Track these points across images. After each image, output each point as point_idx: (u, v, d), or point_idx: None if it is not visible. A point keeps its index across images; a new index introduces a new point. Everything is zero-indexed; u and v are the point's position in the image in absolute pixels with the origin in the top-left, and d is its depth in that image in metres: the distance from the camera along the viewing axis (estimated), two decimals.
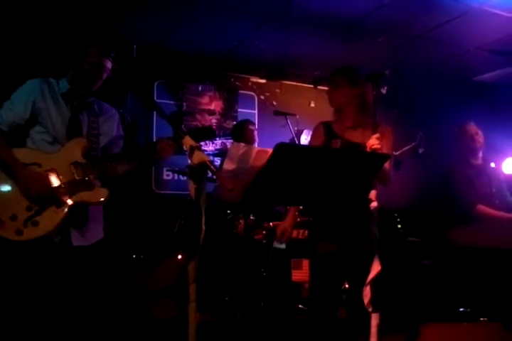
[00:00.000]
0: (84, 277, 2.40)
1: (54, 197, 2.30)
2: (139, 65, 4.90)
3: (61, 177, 2.33)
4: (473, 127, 3.87)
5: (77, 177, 2.34)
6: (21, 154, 2.34)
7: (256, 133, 4.58)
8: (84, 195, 2.35)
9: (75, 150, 2.40)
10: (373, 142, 2.37)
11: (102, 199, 2.39)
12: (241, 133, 4.55)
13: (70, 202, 2.32)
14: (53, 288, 2.32)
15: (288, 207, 2.83)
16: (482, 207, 3.56)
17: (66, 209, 2.31)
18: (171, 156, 2.49)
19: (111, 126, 2.64)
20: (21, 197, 2.27)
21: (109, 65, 2.49)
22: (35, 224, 2.25)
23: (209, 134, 2.62)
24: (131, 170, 2.59)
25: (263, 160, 2.03)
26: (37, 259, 2.30)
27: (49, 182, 2.30)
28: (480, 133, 3.83)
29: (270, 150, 1.90)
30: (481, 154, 3.84)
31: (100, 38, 2.54)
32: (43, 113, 2.42)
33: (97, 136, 2.54)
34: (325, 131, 2.66)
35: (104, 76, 2.51)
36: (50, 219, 2.28)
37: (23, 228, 2.23)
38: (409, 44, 4.87)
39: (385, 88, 2.58)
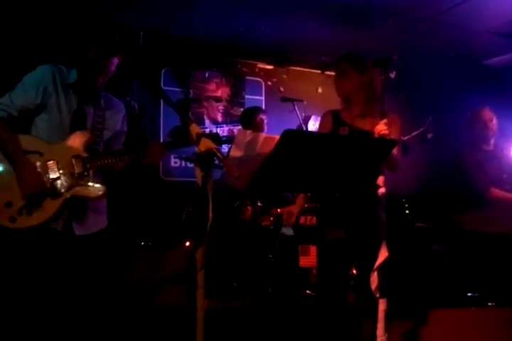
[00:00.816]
0: (86, 265, 2.41)
1: (50, 189, 2.30)
2: (146, 52, 4.88)
3: (61, 168, 2.33)
4: (488, 112, 3.78)
5: (76, 171, 2.35)
6: (24, 141, 2.34)
7: (265, 121, 4.53)
8: (81, 190, 2.35)
9: (78, 143, 2.38)
10: (381, 128, 2.37)
11: (98, 195, 2.39)
12: (250, 121, 4.50)
13: (66, 195, 2.32)
14: (56, 277, 2.34)
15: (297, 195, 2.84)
16: (496, 191, 3.54)
17: (61, 202, 2.31)
18: (159, 162, 2.48)
19: (116, 121, 2.62)
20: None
21: (113, 63, 2.43)
22: (29, 213, 2.26)
23: (215, 141, 2.62)
24: (128, 165, 2.57)
25: (270, 146, 2.03)
26: (39, 247, 2.31)
27: (44, 181, 2.30)
28: (495, 119, 3.74)
29: (277, 137, 1.90)
30: (493, 140, 3.77)
31: (100, 35, 2.45)
32: (52, 100, 2.40)
33: (102, 129, 2.52)
34: (333, 119, 2.64)
35: (108, 74, 2.47)
36: (44, 210, 2.28)
37: (16, 216, 2.24)
38: (418, 27, 4.80)
39: (394, 73, 2.55)
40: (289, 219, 2.76)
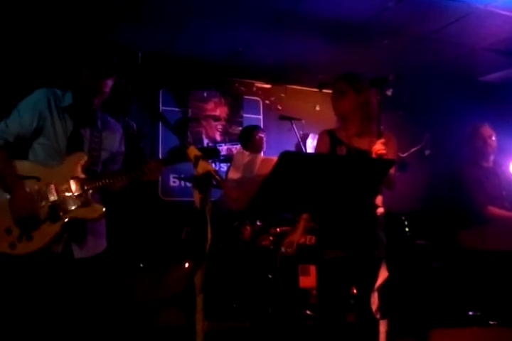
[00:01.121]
0: (85, 288, 2.40)
1: (49, 212, 2.30)
2: (145, 73, 4.93)
3: (59, 191, 2.33)
4: (487, 129, 3.74)
5: (75, 193, 2.35)
6: (21, 167, 2.36)
7: (264, 139, 4.55)
8: (80, 211, 2.35)
9: (75, 165, 2.39)
10: (379, 147, 2.37)
11: (97, 216, 2.40)
12: (249, 139, 4.50)
13: (65, 217, 2.32)
14: (54, 300, 2.32)
15: (298, 218, 2.81)
16: (493, 209, 3.52)
17: (60, 225, 2.31)
18: (156, 179, 2.48)
19: (113, 142, 2.63)
20: None
21: (107, 85, 2.43)
22: (30, 238, 2.26)
23: (214, 155, 2.62)
24: (125, 185, 2.57)
25: (268, 168, 2.02)
26: (38, 270, 2.30)
27: (40, 205, 2.30)
28: (494, 136, 3.71)
29: (275, 159, 1.90)
30: (492, 157, 3.77)
31: (93, 57, 2.47)
32: (48, 124, 2.41)
33: (99, 150, 2.53)
34: (330, 138, 2.64)
35: (103, 96, 2.47)
36: (44, 234, 2.28)
37: (17, 242, 2.25)
38: (414, 46, 4.86)
39: (391, 90, 2.58)
40: (290, 248, 2.73)
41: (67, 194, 2.34)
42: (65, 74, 2.58)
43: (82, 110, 2.49)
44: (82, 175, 2.39)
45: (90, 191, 2.38)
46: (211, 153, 2.52)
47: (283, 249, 2.85)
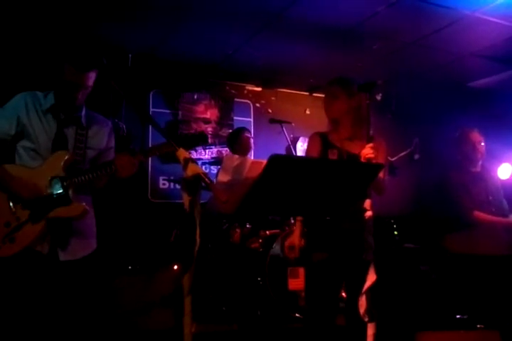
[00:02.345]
0: (70, 290, 2.38)
1: (29, 213, 2.30)
2: (135, 74, 4.92)
3: (40, 191, 2.33)
4: (476, 135, 3.73)
5: (55, 192, 2.34)
6: (6, 170, 2.35)
7: (252, 140, 4.58)
8: (61, 211, 2.34)
9: (56, 164, 2.38)
10: (367, 151, 2.39)
11: (78, 214, 2.38)
12: (236, 141, 4.53)
13: (46, 217, 2.31)
14: (39, 301, 2.31)
15: (289, 221, 2.77)
16: (479, 214, 3.55)
17: (42, 225, 2.30)
18: (131, 174, 2.40)
19: (101, 139, 2.60)
20: (0, 214, 2.28)
21: (90, 78, 2.40)
22: (12, 241, 2.26)
23: (202, 140, 2.57)
24: (106, 182, 2.54)
25: (257, 171, 2.04)
26: (24, 271, 2.29)
27: (35, 187, 2.31)
28: (483, 141, 3.71)
29: (264, 162, 1.91)
30: (480, 162, 3.78)
31: (73, 50, 2.44)
32: (28, 128, 2.41)
33: (83, 148, 2.49)
34: (321, 141, 2.64)
35: (87, 90, 2.44)
36: (26, 235, 2.28)
37: (0, 244, 2.24)
38: (404, 51, 4.89)
39: (380, 95, 2.58)
40: (292, 253, 2.67)
41: (48, 193, 2.33)
42: (47, 75, 2.56)
43: (65, 108, 2.47)
44: (63, 174, 2.37)
45: (71, 189, 2.36)
46: (199, 139, 2.48)
47: (285, 254, 2.75)
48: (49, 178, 2.35)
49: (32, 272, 2.31)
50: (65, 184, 2.35)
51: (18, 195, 2.30)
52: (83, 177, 2.37)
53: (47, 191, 2.34)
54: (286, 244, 2.70)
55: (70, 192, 2.37)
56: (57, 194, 2.34)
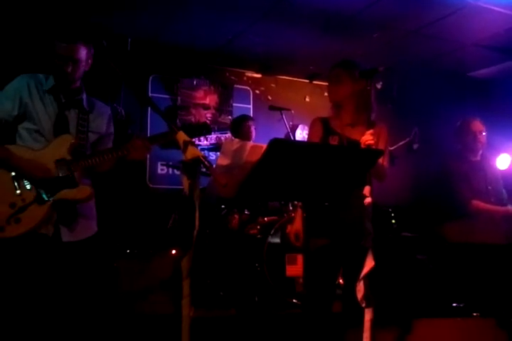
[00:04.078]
0: (72, 272, 2.40)
1: (36, 195, 2.30)
2: (134, 59, 4.88)
3: (48, 172, 2.33)
4: (477, 124, 3.72)
5: (61, 174, 2.34)
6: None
7: (253, 129, 4.57)
8: (67, 193, 2.35)
9: (61, 147, 2.39)
10: (367, 138, 2.37)
11: (85, 197, 2.40)
12: (239, 129, 4.53)
13: (52, 199, 2.32)
14: (42, 283, 2.33)
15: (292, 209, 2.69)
16: (477, 203, 3.55)
17: (48, 206, 2.31)
18: (143, 158, 2.45)
19: (101, 123, 2.61)
20: (4, 195, 2.28)
21: (81, 51, 2.41)
22: (18, 221, 2.26)
23: (205, 130, 2.59)
24: (112, 166, 2.56)
25: (257, 155, 2.03)
26: (28, 253, 2.31)
27: (44, 168, 2.31)
28: (484, 131, 3.69)
29: (264, 146, 1.90)
30: (481, 152, 3.77)
31: (61, 25, 2.48)
32: (30, 109, 2.42)
33: (86, 132, 2.51)
34: (322, 127, 2.62)
35: (77, 65, 2.43)
36: (32, 217, 2.29)
37: (5, 225, 2.25)
38: (404, 40, 4.87)
39: (380, 83, 2.56)
40: (298, 241, 2.60)
41: (54, 176, 2.33)
42: (45, 58, 2.56)
43: (65, 90, 2.48)
44: (69, 157, 2.38)
45: (77, 172, 2.37)
46: (202, 129, 2.50)
47: (291, 242, 2.72)
48: (54, 161, 2.35)
49: (37, 254, 2.32)
50: (71, 167, 2.36)
51: (28, 174, 2.30)
52: (90, 161, 2.38)
53: (53, 173, 2.34)
54: (292, 231, 2.65)
55: (76, 175, 2.38)
56: (64, 176, 2.34)
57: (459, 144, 3.80)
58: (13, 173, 2.32)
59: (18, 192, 2.30)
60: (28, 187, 2.32)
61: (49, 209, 2.31)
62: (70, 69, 2.41)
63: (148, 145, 2.42)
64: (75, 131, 2.48)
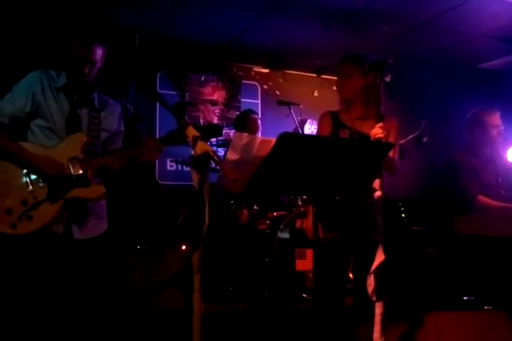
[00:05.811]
0: (84, 269, 2.41)
1: (48, 192, 2.31)
2: (142, 55, 4.89)
3: (62, 170, 2.33)
4: (493, 117, 3.64)
5: (74, 173, 2.34)
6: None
7: (259, 121, 4.57)
8: (80, 192, 2.35)
9: (74, 145, 2.39)
10: (377, 131, 2.36)
11: (97, 196, 2.40)
12: (244, 122, 4.54)
13: (64, 197, 2.32)
14: (54, 280, 2.33)
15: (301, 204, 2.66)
16: (483, 198, 3.52)
17: (60, 205, 2.31)
18: (155, 159, 2.43)
19: (112, 121, 2.61)
20: (16, 191, 2.28)
21: (98, 51, 2.40)
22: (30, 218, 2.26)
23: (216, 132, 2.56)
24: (122, 166, 2.56)
25: (266, 149, 2.02)
26: (40, 251, 2.31)
27: (57, 166, 2.32)
28: (500, 124, 3.62)
29: (273, 140, 1.89)
30: (492, 145, 3.70)
31: (78, 25, 2.46)
32: (42, 106, 2.41)
33: (98, 131, 2.51)
34: (332, 120, 2.60)
35: (93, 65, 2.43)
36: (44, 214, 2.29)
37: (17, 222, 2.25)
38: (414, 32, 4.83)
39: (389, 76, 2.54)
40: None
41: (67, 174, 2.33)
42: (58, 54, 2.56)
43: (77, 88, 2.48)
44: (82, 156, 2.38)
45: (90, 171, 2.38)
46: (213, 131, 2.48)
47: (307, 238, 2.69)
48: (67, 159, 2.35)
49: (48, 252, 2.33)
50: (84, 166, 2.36)
51: (41, 172, 2.30)
52: (102, 160, 2.38)
53: (66, 171, 2.34)
54: (308, 227, 2.66)
55: (89, 174, 2.38)
56: (77, 175, 2.34)
57: (470, 136, 3.75)
58: (25, 170, 2.32)
59: (30, 189, 2.31)
60: (41, 184, 2.32)
61: (61, 207, 2.31)
62: (86, 70, 2.41)
63: (160, 147, 2.41)
64: (86, 129, 2.47)
